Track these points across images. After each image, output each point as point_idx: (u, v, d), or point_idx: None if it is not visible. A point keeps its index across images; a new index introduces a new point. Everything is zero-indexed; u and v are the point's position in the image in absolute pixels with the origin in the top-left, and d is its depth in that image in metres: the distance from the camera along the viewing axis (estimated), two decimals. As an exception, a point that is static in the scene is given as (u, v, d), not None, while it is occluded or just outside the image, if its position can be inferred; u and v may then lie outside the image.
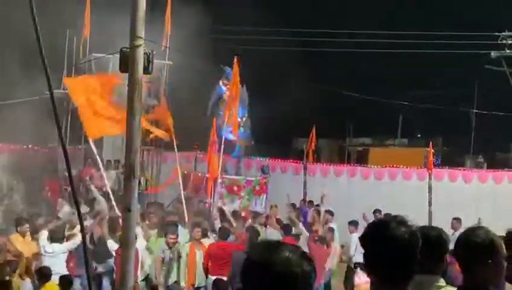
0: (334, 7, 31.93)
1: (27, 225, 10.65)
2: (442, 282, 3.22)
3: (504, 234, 3.67)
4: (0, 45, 17.00)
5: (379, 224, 2.69)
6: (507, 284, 3.43)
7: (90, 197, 14.49)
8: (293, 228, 12.52)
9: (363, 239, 2.67)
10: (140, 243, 10.77)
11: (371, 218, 13.95)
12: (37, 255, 10.34)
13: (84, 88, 11.57)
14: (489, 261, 2.96)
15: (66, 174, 14.41)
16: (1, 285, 8.90)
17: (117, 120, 10.55)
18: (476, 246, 2.97)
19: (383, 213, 14.93)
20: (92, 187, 14.06)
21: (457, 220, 13.96)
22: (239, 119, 17.05)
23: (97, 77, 12.49)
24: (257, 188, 17.32)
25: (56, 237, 10.35)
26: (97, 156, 12.60)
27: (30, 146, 19.57)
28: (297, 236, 11.87)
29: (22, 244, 10.42)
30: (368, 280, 2.57)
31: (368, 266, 2.63)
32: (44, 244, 10.19)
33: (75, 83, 12.70)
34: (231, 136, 16.74)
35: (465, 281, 3.01)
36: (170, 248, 11.24)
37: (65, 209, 13.72)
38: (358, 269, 9.68)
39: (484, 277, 2.94)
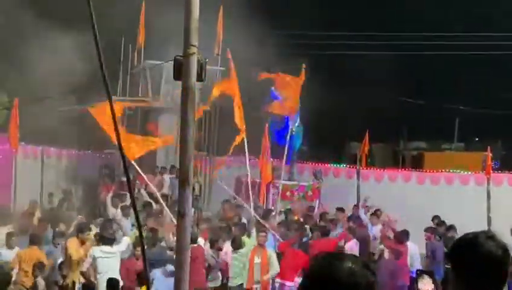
0: (387, 11, 31.54)
1: (88, 233, 10.85)
2: None
3: None
4: (61, 52, 17.50)
5: (468, 239, 2.68)
6: None
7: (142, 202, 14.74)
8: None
9: (452, 254, 2.69)
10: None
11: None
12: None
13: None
14: None
15: (123, 179, 14.71)
16: None
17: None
18: None
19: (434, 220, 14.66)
20: (143, 191, 14.25)
21: None
22: (291, 125, 17.03)
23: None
24: (310, 193, 17.26)
25: (106, 238, 10.39)
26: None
27: (89, 151, 20.07)
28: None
29: (77, 250, 10.61)
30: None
31: (457, 281, 2.64)
32: (94, 253, 10.26)
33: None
34: (284, 142, 16.71)
35: None
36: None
37: (111, 211, 13.96)
38: (425, 275, 9.90)
39: None
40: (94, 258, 10.24)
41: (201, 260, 10.69)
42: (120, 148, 3.51)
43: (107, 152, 19.01)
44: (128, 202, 14.29)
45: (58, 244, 11.49)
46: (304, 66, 14.87)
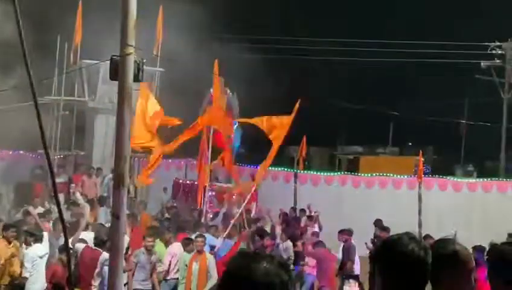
0: (319, 15, 32.10)
1: (13, 230, 10.49)
2: None
3: (491, 243, 3.66)
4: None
5: (392, 241, 2.79)
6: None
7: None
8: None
9: (377, 255, 2.78)
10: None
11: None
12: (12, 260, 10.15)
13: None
14: (455, 273, 2.98)
15: (58, 180, 14.30)
16: None
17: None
18: (441, 258, 2.99)
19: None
20: (77, 194, 13.95)
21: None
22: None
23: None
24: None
25: (35, 235, 10.16)
26: None
27: (21, 152, 19.47)
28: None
29: (4, 249, 10.27)
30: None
31: (382, 282, 2.71)
32: (30, 254, 9.99)
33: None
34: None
35: None
36: (149, 251, 10.78)
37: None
38: (350, 280, 10.00)
39: (450, 289, 2.97)
40: (32, 261, 9.92)
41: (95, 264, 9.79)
42: (45, 149, 3.42)
43: (39, 152, 18.46)
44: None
45: None
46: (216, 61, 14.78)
